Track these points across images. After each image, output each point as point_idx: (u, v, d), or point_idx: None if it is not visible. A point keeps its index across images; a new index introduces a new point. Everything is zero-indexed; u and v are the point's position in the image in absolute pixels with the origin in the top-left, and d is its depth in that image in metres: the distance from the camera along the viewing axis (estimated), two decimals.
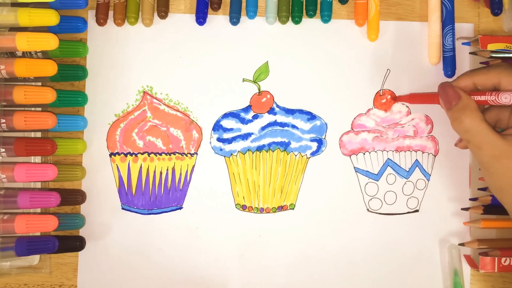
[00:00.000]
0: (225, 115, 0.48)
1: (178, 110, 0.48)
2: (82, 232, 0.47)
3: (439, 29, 0.47)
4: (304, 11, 0.47)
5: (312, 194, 0.48)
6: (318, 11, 0.48)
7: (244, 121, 0.48)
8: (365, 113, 0.48)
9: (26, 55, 0.44)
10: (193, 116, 0.48)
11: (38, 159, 0.46)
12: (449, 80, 0.48)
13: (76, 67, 0.46)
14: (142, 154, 0.47)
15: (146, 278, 0.47)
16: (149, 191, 0.47)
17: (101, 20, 0.46)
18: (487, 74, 0.41)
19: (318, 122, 0.48)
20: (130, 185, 0.47)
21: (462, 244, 0.47)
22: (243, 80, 0.48)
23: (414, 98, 0.47)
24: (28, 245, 0.42)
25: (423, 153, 0.48)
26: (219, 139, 0.48)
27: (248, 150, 0.48)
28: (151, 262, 0.47)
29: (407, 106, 0.48)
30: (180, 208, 0.48)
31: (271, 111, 0.48)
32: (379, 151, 0.48)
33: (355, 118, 0.48)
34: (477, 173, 0.48)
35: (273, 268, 0.48)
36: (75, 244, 0.45)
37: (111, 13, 0.47)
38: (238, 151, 0.48)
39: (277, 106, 0.48)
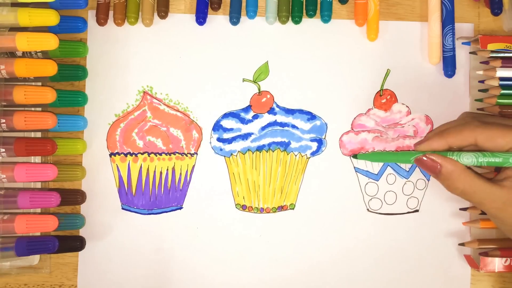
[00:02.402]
0: (225, 115, 0.48)
1: (178, 110, 0.48)
2: (82, 232, 0.47)
3: (439, 29, 0.47)
4: (304, 11, 0.47)
5: (312, 194, 0.48)
6: (318, 11, 0.48)
7: (244, 121, 0.48)
8: (365, 113, 0.48)
9: (26, 55, 0.44)
10: (193, 116, 0.48)
11: (38, 159, 0.46)
12: (449, 78, 0.48)
13: (76, 67, 0.46)
14: (142, 154, 0.47)
15: (146, 278, 0.47)
16: (149, 191, 0.47)
17: (101, 20, 0.46)
18: (461, 133, 0.40)
19: (318, 122, 0.48)
20: (130, 185, 0.47)
21: (462, 244, 0.48)
22: (243, 80, 0.48)
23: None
24: (28, 245, 0.42)
25: None
26: (219, 139, 0.48)
27: (248, 150, 0.48)
28: (151, 262, 0.47)
29: (407, 106, 0.48)
30: (180, 208, 0.48)
31: (271, 111, 0.48)
32: (379, 151, 0.48)
33: (355, 118, 0.48)
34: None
35: (273, 268, 0.48)
36: (75, 244, 0.45)
37: (111, 13, 0.47)
38: (238, 151, 0.48)
39: (277, 106, 0.48)
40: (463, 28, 0.49)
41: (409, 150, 0.41)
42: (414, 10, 0.49)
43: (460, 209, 0.48)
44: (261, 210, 0.48)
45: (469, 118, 0.42)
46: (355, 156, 0.44)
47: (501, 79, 0.46)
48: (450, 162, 0.40)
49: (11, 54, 0.43)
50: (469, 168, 0.40)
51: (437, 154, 0.41)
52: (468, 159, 0.39)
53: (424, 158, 0.41)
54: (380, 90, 0.48)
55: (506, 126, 0.40)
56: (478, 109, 0.48)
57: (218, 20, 0.48)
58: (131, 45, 0.47)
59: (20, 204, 0.42)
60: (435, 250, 0.48)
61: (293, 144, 0.48)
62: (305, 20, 0.48)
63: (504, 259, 0.46)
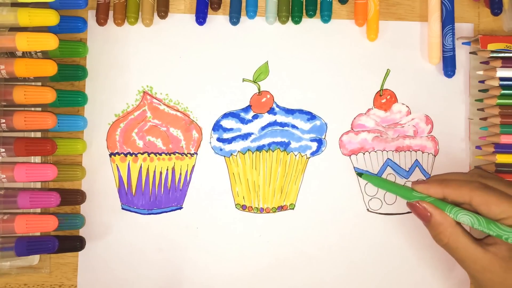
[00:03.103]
0: (225, 115, 0.48)
1: (178, 110, 0.48)
2: (82, 232, 0.47)
3: (439, 29, 0.47)
4: (304, 11, 0.47)
5: (312, 194, 0.48)
6: (318, 11, 0.48)
7: (244, 121, 0.48)
8: (365, 113, 0.48)
9: (26, 55, 0.44)
10: (193, 116, 0.48)
11: (38, 159, 0.46)
12: (449, 78, 0.48)
13: (76, 67, 0.46)
14: (142, 154, 0.47)
15: (146, 278, 0.47)
16: (149, 191, 0.47)
17: (101, 20, 0.46)
18: (460, 189, 0.40)
19: (318, 122, 0.48)
20: (130, 185, 0.47)
21: None
22: (243, 80, 0.48)
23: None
24: (28, 245, 0.42)
25: (423, 153, 0.48)
26: (219, 139, 0.48)
27: (248, 150, 0.48)
28: (151, 262, 0.47)
29: (407, 106, 0.48)
30: (180, 208, 0.48)
31: (271, 111, 0.48)
32: (379, 151, 0.48)
33: (355, 118, 0.48)
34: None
35: (273, 268, 0.48)
36: (75, 244, 0.45)
37: (111, 13, 0.47)
38: (238, 151, 0.48)
39: (277, 106, 0.48)
40: (463, 28, 0.49)
41: (409, 187, 0.42)
42: (414, 10, 0.49)
43: None
44: (261, 210, 0.48)
45: (475, 176, 0.42)
46: (360, 174, 0.44)
47: (501, 79, 0.46)
48: (440, 214, 0.40)
49: (11, 54, 0.43)
50: (458, 224, 0.40)
51: (432, 203, 0.41)
52: (464, 220, 0.39)
53: (417, 205, 0.41)
54: (380, 90, 0.48)
55: (504, 195, 0.39)
56: (478, 109, 0.48)
57: (218, 20, 0.48)
58: (131, 45, 0.47)
59: (20, 204, 0.42)
60: (435, 250, 0.48)
61: (293, 144, 0.48)
62: (305, 20, 0.48)
63: None
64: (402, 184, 0.45)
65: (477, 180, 0.41)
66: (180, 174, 0.47)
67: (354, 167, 0.48)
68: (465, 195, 0.40)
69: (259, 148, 0.48)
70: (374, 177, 0.45)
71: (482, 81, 0.47)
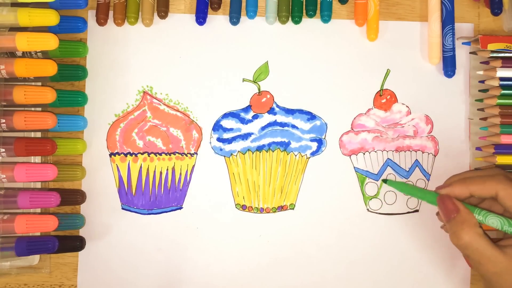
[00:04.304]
0: (225, 115, 0.48)
1: (178, 110, 0.48)
2: (82, 232, 0.47)
3: (439, 29, 0.47)
4: (304, 11, 0.47)
5: (312, 194, 0.48)
6: (318, 11, 0.48)
7: (244, 121, 0.48)
8: (365, 113, 0.48)
9: (26, 55, 0.44)
10: (193, 116, 0.48)
11: (38, 159, 0.46)
12: (449, 78, 0.48)
13: (76, 67, 0.46)
14: (142, 154, 0.47)
15: (146, 278, 0.47)
16: (149, 191, 0.47)
17: (101, 20, 0.46)
18: (484, 184, 0.40)
19: (318, 122, 0.48)
20: (130, 185, 0.47)
21: None
22: (243, 80, 0.48)
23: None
24: (28, 245, 0.42)
25: (423, 153, 0.48)
26: (219, 139, 0.48)
27: (248, 150, 0.48)
28: (151, 262, 0.47)
29: (407, 106, 0.48)
30: (180, 208, 0.48)
31: (271, 111, 0.48)
32: (379, 151, 0.48)
33: (355, 118, 0.48)
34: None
35: (273, 268, 0.48)
36: (75, 244, 0.45)
37: (111, 13, 0.47)
38: (238, 151, 0.48)
39: (277, 106, 0.48)
40: (463, 28, 0.49)
41: (434, 191, 0.42)
42: (414, 10, 0.49)
43: None
44: (261, 210, 0.48)
45: (497, 171, 0.42)
46: (384, 181, 0.44)
47: (501, 79, 0.46)
48: (467, 212, 0.40)
49: (11, 54, 0.43)
50: (480, 226, 0.40)
51: (463, 203, 0.41)
52: (493, 222, 0.39)
53: (448, 198, 0.41)
54: (380, 90, 0.48)
55: None
56: (478, 109, 0.48)
57: (218, 20, 0.48)
58: (131, 45, 0.47)
59: (20, 204, 0.42)
60: (435, 250, 0.48)
61: (293, 144, 0.48)
62: (305, 20, 0.48)
63: None
64: (426, 189, 0.44)
65: (500, 173, 0.41)
66: (180, 174, 0.47)
67: (381, 179, 0.47)
68: (491, 189, 0.40)
69: (259, 148, 0.48)
70: (399, 182, 0.45)
71: (482, 81, 0.47)
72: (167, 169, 0.47)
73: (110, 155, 0.47)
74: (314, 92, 0.48)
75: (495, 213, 0.40)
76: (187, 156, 0.48)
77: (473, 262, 0.40)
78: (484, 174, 0.42)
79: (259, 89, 0.48)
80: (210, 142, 0.48)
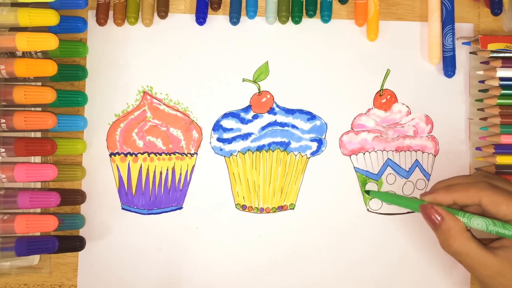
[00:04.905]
0: (225, 115, 0.48)
1: (178, 110, 0.48)
2: (82, 232, 0.47)
3: (439, 29, 0.47)
4: (304, 11, 0.47)
5: (312, 194, 0.48)
6: (318, 11, 0.48)
7: (244, 121, 0.48)
8: (365, 113, 0.48)
9: (26, 55, 0.44)
10: (193, 116, 0.48)
11: (38, 159, 0.46)
12: (449, 78, 0.48)
13: (76, 67, 0.46)
14: (142, 154, 0.47)
15: (146, 278, 0.47)
16: (149, 191, 0.47)
17: (101, 20, 0.46)
18: (467, 192, 0.40)
19: (318, 122, 0.48)
20: (130, 185, 0.47)
21: None
22: (243, 80, 0.48)
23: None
24: (28, 245, 0.42)
25: (423, 153, 0.48)
26: (219, 139, 0.48)
27: (248, 150, 0.48)
28: (151, 262, 0.47)
29: (407, 106, 0.48)
30: (180, 208, 0.48)
31: (271, 111, 0.48)
32: (379, 151, 0.48)
33: (355, 118, 0.48)
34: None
35: (273, 268, 0.48)
36: (75, 244, 0.45)
37: (111, 13, 0.47)
38: (238, 151, 0.48)
39: (277, 106, 0.48)
40: (463, 28, 0.49)
41: (418, 199, 0.42)
42: (414, 10, 0.49)
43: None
44: (261, 210, 0.48)
45: (480, 177, 0.42)
46: (367, 192, 0.45)
47: (501, 79, 0.46)
48: (452, 219, 0.40)
49: (11, 54, 0.43)
50: (468, 230, 0.40)
51: (446, 209, 0.40)
52: (478, 224, 0.39)
53: (430, 207, 0.41)
54: (380, 90, 0.48)
55: None
56: (478, 109, 0.48)
57: (218, 20, 0.48)
58: (131, 45, 0.47)
59: (20, 204, 0.42)
60: (435, 250, 0.48)
61: (293, 144, 0.48)
62: (305, 20, 0.48)
63: None
64: (410, 197, 0.44)
65: (483, 180, 0.41)
66: (180, 174, 0.47)
67: (365, 190, 0.47)
68: (474, 197, 0.40)
69: (259, 148, 0.48)
70: (381, 193, 0.45)
71: (482, 81, 0.47)
72: (167, 169, 0.47)
73: (110, 155, 0.47)
74: (314, 92, 0.48)
75: (479, 215, 0.40)
76: (187, 156, 0.48)
77: (466, 267, 0.40)
78: (468, 181, 0.41)
79: (259, 89, 0.48)
80: (210, 142, 0.48)
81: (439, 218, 0.40)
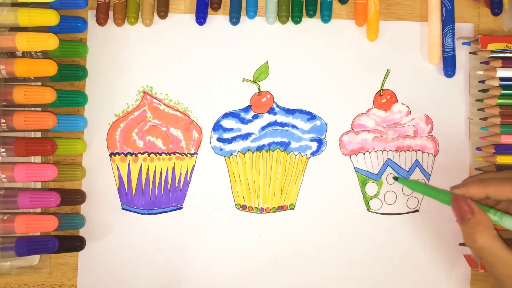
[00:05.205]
0: (225, 115, 0.48)
1: (178, 110, 0.48)
2: (82, 232, 0.47)
3: (439, 29, 0.47)
4: (304, 11, 0.47)
5: (312, 194, 0.48)
6: (318, 11, 0.48)
7: (244, 121, 0.48)
8: (365, 113, 0.48)
9: (26, 55, 0.44)
10: (193, 116, 0.48)
11: (38, 159, 0.46)
12: (449, 78, 0.48)
13: (76, 67, 0.46)
14: (142, 154, 0.47)
15: (146, 278, 0.47)
16: (149, 191, 0.47)
17: (101, 20, 0.46)
18: (502, 186, 0.40)
19: (318, 122, 0.48)
20: (130, 185, 0.47)
21: (462, 244, 0.47)
22: (243, 80, 0.48)
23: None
24: (28, 245, 0.42)
25: (423, 153, 0.48)
26: (219, 139, 0.48)
27: (248, 150, 0.48)
28: (151, 262, 0.47)
29: (407, 106, 0.48)
30: (180, 208, 0.48)
31: (271, 111, 0.48)
32: (379, 151, 0.48)
33: (355, 118, 0.48)
34: (477, 173, 0.48)
35: (273, 268, 0.48)
36: (75, 244, 0.45)
37: (111, 13, 0.47)
38: (238, 151, 0.48)
39: (277, 106, 0.48)
40: (463, 28, 0.49)
41: (448, 191, 0.41)
42: (414, 10, 0.49)
43: None
44: (261, 210, 0.48)
45: None
46: (396, 178, 0.44)
47: (502, 79, 0.46)
48: (482, 214, 0.39)
49: (11, 54, 0.43)
50: (494, 228, 0.40)
51: (477, 204, 0.40)
52: (509, 224, 0.39)
53: (463, 199, 0.40)
54: (380, 90, 0.48)
55: None
56: (478, 109, 0.48)
57: (218, 20, 0.48)
58: (131, 45, 0.47)
59: (20, 204, 0.42)
60: (435, 250, 0.48)
61: (293, 144, 0.48)
62: (305, 20, 0.48)
63: None
64: (440, 188, 0.44)
65: None
66: (180, 174, 0.47)
67: (393, 176, 0.46)
68: (508, 192, 0.39)
69: (259, 148, 0.48)
70: (411, 181, 0.44)
71: (482, 81, 0.47)
72: (167, 169, 0.47)
73: (110, 155, 0.47)
74: (314, 92, 0.48)
75: (510, 215, 0.40)
76: (187, 156, 0.48)
77: (486, 264, 0.39)
78: (501, 176, 0.41)
79: (259, 89, 0.48)
80: (210, 142, 0.48)
81: (469, 212, 0.40)
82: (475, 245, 0.39)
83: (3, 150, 0.42)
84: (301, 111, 0.48)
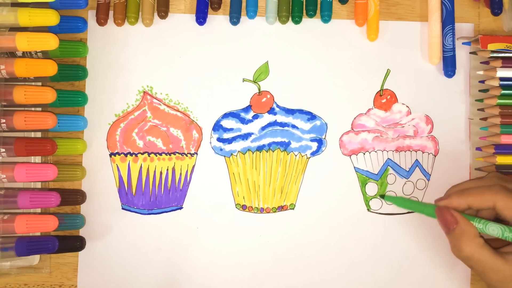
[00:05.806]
0: (225, 115, 0.48)
1: (178, 110, 0.48)
2: (82, 232, 0.47)
3: (439, 29, 0.47)
4: (304, 11, 0.47)
5: (312, 194, 0.48)
6: (318, 11, 0.48)
7: (244, 121, 0.48)
8: (365, 113, 0.48)
9: (26, 55, 0.44)
10: (193, 116, 0.48)
11: (38, 159, 0.46)
12: (449, 78, 0.48)
13: (76, 67, 0.46)
14: (142, 154, 0.47)
15: (146, 278, 0.47)
16: (149, 191, 0.47)
17: (101, 20, 0.46)
18: (482, 195, 0.40)
19: (318, 122, 0.48)
20: (130, 185, 0.47)
21: None
22: (243, 80, 0.48)
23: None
24: (28, 245, 0.42)
25: (423, 153, 0.48)
26: (219, 139, 0.48)
27: (248, 150, 0.48)
28: (151, 262, 0.47)
29: (407, 106, 0.48)
30: (180, 208, 0.48)
31: (271, 111, 0.48)
32: (379, 151, 0.48)
33: (355, 118, 0.48)
34: (477, 173, 0.48)
35: (273, 268, 0.48)
36: (75, 244, 0.45)
37: (111, 13, 0.47)
38: (238, 151, 0.48)
39: (277, 106, 0.48)
40: (463, 28, 0.49)
41: (433, 204, 0.42)
42: (414, 10, 0.49)
43: None
44: (261, 210, 0.48)
45: (494, 180, 0.42)
46: (382, 196, 0.44)
47: (502, 79, 0.46)
48: (466, 223, 0.40)
49: (11, 54, 0.43)
50: (480, 236, 0.40)
51: (462, 214, 0.40)
52: (493, 230, 0.39)
53: (446, 210, 0.40)
54: (380, 90, 0.48)
55: None
56: (478, 109, 0.48)
57: (218, 20, 0.48)
58: (131, 45, 0.47)
59: (20, 204, 0.42)
60: (435, 250, 0.48)
61: (293, 144, 0.48)
62: (305, 20, 0.48)
63: None
64: (425, 202, 0.44)
65: (497, 184, 0.41)
66: (180, 174, 0.47)
67: (379, 194, 0.47)
68: (488, 200, 0.40)
69: (259, 148, 0.48)
70: (396, 198, 0.45)
71: (482, 81, 0.47)
72: (167, 169, 0.47)
73: (110, 155, 0.47)
74: (314, 92, 0.48)
75: (494, 222, 0.40)
76: (187, 156, 0.48)
77: (477, 272, 0.40)
78: (482, 185, 0.41)
79: (259, 89, 0.48)
80: (210, 142, 0.48)
81: (453, 223, 0.40)
82: (461, 255, 0.39)
83: (3, 150, 0.42)
84: (301, 111, 0.48)
